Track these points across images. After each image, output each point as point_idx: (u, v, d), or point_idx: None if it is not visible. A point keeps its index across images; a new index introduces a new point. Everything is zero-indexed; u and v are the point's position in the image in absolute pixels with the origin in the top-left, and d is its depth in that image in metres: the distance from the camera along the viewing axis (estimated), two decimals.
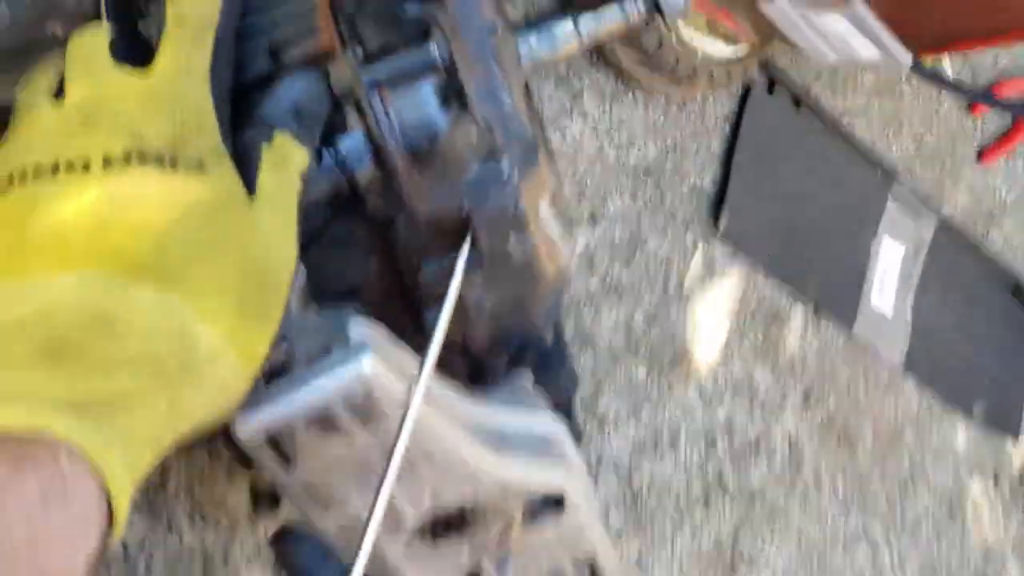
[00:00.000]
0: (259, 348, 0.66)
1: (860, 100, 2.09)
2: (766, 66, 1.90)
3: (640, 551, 1.80)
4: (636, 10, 0.93)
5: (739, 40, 1.75)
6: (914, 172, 2.22)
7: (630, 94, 1.71)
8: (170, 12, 0.70)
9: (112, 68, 0.69)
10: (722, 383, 1.91)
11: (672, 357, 1.82)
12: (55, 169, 0.64)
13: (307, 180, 0.71)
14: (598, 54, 1.64)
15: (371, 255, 0.82)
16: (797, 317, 2.03)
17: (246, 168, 0.68)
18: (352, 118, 0.77)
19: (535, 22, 0.93)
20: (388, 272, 0.83)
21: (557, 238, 0.88)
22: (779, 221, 1.96)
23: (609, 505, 1.75)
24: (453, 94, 0.75)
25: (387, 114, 0.74)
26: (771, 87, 1.92)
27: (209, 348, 0.62)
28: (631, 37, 1.59)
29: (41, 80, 0.70)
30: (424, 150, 0.74)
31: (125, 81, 0.68)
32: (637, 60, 1.63)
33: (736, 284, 1.92)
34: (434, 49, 0.74)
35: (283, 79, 0.73)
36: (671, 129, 1.79)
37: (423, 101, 0.74)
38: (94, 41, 0.70)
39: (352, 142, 0.77)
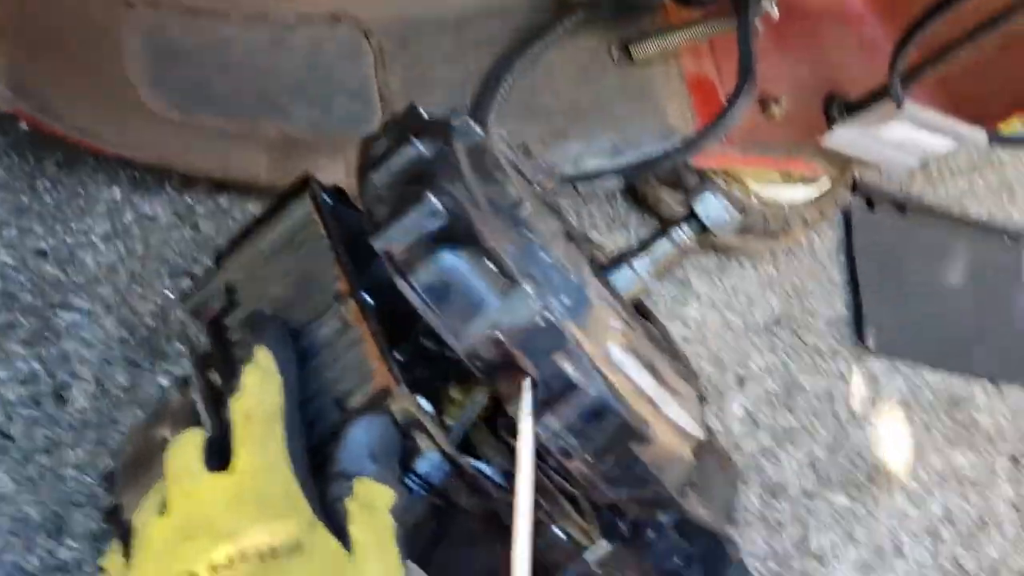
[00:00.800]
0: None
1: (962, 182, 2.17)
2: (856, 187, 2.01)
3: None
4: (685, 237, 0.97)
5: (818, 177, 1.86)
6: None
7: (734, 261, 1.85)
8: (236, 408, 0.75)
9: (203, 474, 0.73)
10: (927, 479, 1.97)
11: (867, 474, 1.90)
12: None
13: (401, 511, 0.74)
14: None
15: (487, 542, 0.86)
16: (978, 394, 2.08)
17: (337, 523, 0.72)
18: (422, 440, 0.80)
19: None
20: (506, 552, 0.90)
21: (653, 389, 0.87)
22: (925, 317, 2.04)
23: None
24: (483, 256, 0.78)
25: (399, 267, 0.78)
26: (870, 203, 2.03)
27: None
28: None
29: (147, 502, 0.75)
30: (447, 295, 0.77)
31: (216, 485, 0.72)
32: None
33: (905, 388, 1.99)
34: (436, 202, 0.78)
35: (349, 427, 0.76)
36: (787, 277, 1.91)
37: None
38: (187, 450, 0.74)
39: (428, 462, 0.80)
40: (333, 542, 0.71)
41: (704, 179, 0.96)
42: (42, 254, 1.29)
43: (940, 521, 1.97)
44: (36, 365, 1.26)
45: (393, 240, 0.77)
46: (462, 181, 0.81)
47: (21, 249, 1.28)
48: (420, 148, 0.82)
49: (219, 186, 1.41)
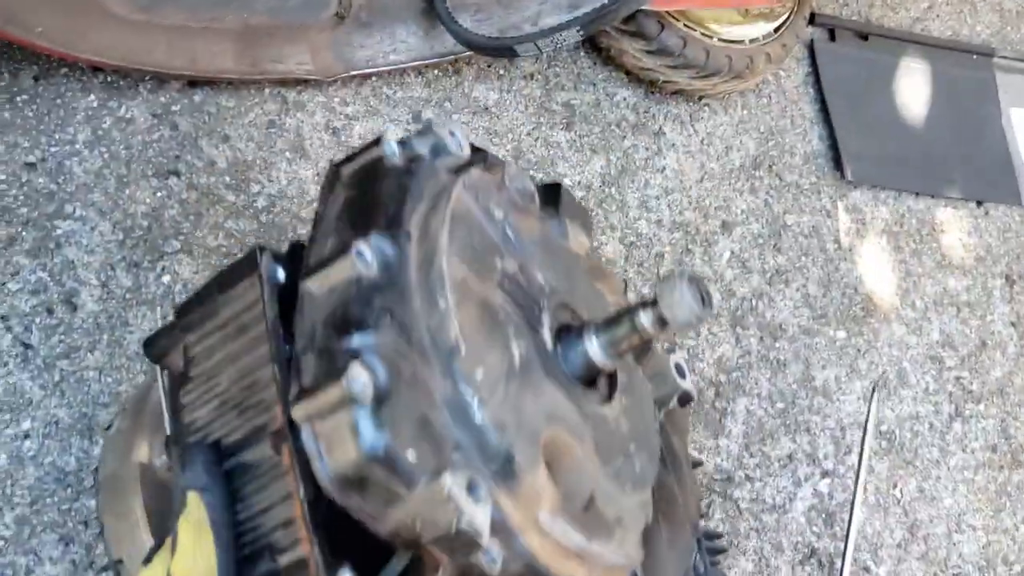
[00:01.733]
0: None
1: (922, 3, 2.31)
2: (815, 19, 2.15)
3: (919, 486, 2.02)
4: (646, 325, 0.98)
5: (776, 11, 2.00)
6: (1007, 38, 2.41)
7: (705, 108, 1.99)
8: (175, 570, 0.84)
9: None
10: (922, 306, 2.13)
11: (862, 307, 2.05)
12: None
13: None
14: (654, 85, 1.91)
15: None
16: (964, 217, 2.24)
17: None
18: None
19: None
20: None
21: (583, 545, 0.93)
22: (901, 144, 2.19)
23: (871, 458, 1.98)
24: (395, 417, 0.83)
25: (317, 446, 0.84)
26: (832, 34, 2.17)
27: None
28: (676, 59, 1.86)
29: None
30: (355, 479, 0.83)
31: None
32: (693, 75, 1.90)
33: (890, 217, 2.15)
34: (359, 378, 0.81)
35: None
36: (759, 118, 2.05)
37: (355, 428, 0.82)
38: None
39: None
40: None
41: (674, 273, 0.99)
42: (31, 167, 1.41)
43: (940, 346, 2.13)
44: (43, 275, 1.38)
45: (313, 416, 0.83)
46: (404, 319, 0.86)
47: (11, 164, 1.40)
48: (367, 261, 0.87)
49: (192, 83, 1.53)
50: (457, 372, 0.86)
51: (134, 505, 1.13)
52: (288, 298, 0.94)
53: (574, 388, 0.98)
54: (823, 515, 1.91)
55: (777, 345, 1.95)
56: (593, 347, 0.98)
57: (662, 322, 0.96)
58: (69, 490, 1.34)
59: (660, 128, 1.93)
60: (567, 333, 0.99)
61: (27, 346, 1.36)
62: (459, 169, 0.98)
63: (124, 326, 1.41)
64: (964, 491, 2.06)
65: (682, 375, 1.17)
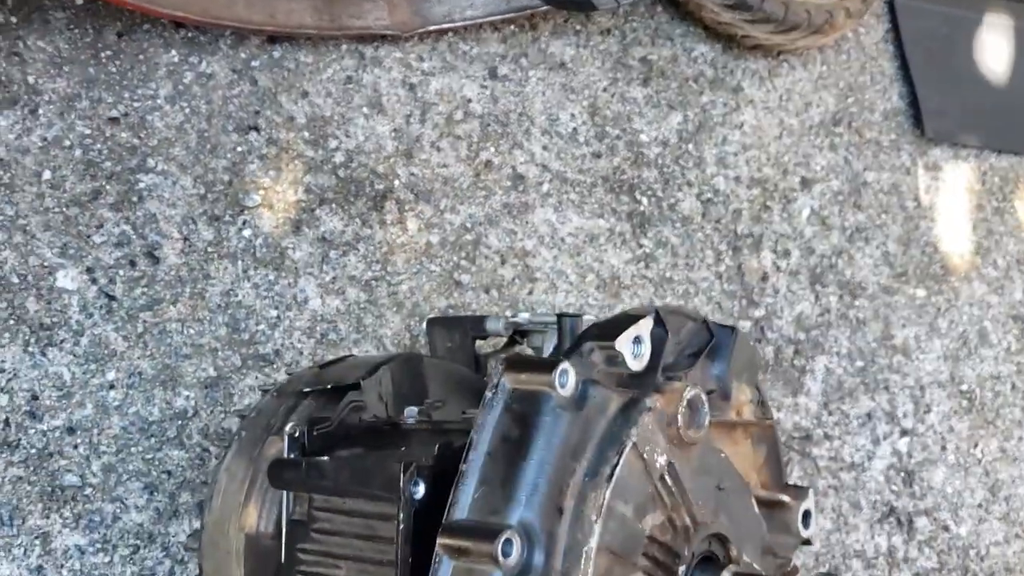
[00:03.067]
0: None
1: None
2: None
3: (1000, 447, 2.00)
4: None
5: None
6: None
7: (784, 64, 1.97)
8: None
9: None
10: (1004, 265, 2.11)
11: (942, 265, 2.03)
12: None
13: None
14: (732, 40, 1.90)
15: None
16: None
17: None
18: None
19: None
20: None
21: None
22: (983, 101, 2.16)
23: (949, 418, 1.96)
24: None
25: None
26: None
27: None
28: (755, 14, 1.84)
29: None
30: None
31: None
32: (772, 30, 1.89)
33: (972, 174, 2.12)
34: None
35: None
36: (839, 74, 2.03)
37: None
38: None
39: None
40: None
41: None
42: (115, 121, 1.43)
43: (1023, 306, 2.10)
44: (126, 227, 1.40)
45: None
46: None
47: (95, 119, 1.42)
48: (510, 554, 0.86)
49: (271, 39, 1.54)
50: None
51: (235, 574, 1.16)
52: (427, 514, 0.95)
53: None
54: (902, 473, 1.90)
55: (856, 303, 1.93)
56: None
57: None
58: (153, 440, 1.37)
59: (738, 84, 1.91)
60: (705, 566, 1.00)
61: (111, 298, 1.38)
62: (632, 404, 0.95)
63: (206, 279, 1.43)
64: None
65: (807, 525, 1.15)
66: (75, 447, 1.33)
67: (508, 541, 0.85)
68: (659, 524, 0.95)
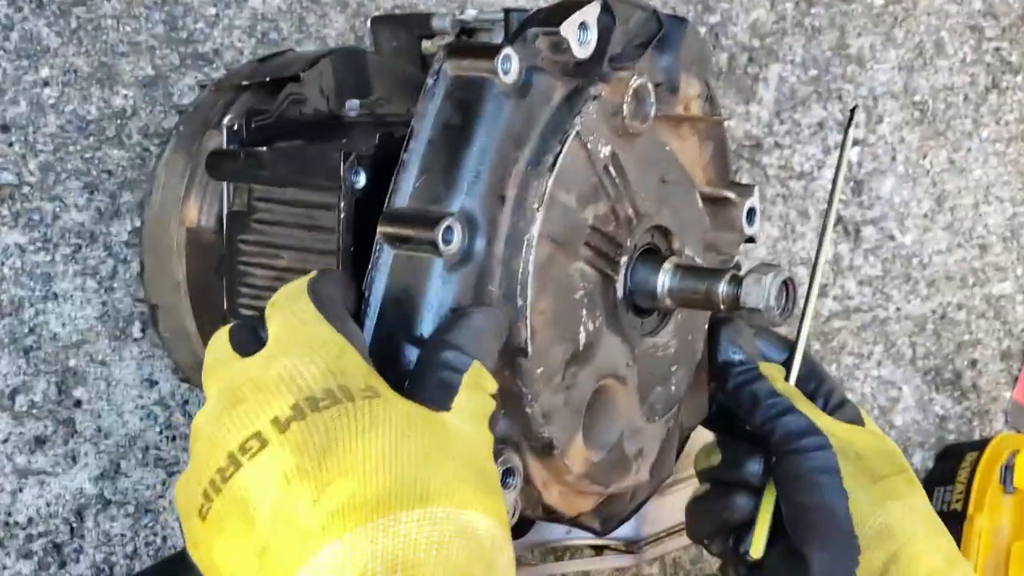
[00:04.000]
0: (503, 512, 0.73)
1: None
2: None
3: (949, 157, 2.00)
4: (719, 293, 0.97)
5: None
6: None
7: None
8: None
9: (235, 358, 0.76)
10: None
11: None
12: (233, 461, 0.68)
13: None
14: None
15: None
16: None
17: (432, 385, 0.76)
18: None
19: None
20: None
21: (600, 490, 1.02)
22: None
23: (900, 129, 1.96)
24: None
25: None
26: None
27: (486, 530, 0.69)
28: None
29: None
30: None
31: (250, 362, 0.75)
32: None
33: None
34: None
35: (475, 311, 0.85)
36: None
37: None
38: (215, 344, 0.79)
39: None
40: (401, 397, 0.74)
41: (769, 269, 0.92)
42: None
43: (982, 15, 2.07)
44: None
45: None
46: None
47: None
48: (451, 240, 0.85)
49: None
50: (519, 370, 0.89)
51: (176, 270, 1.16)
52: (367, 204, 0.94)
53: (632, 325, 0.99)
54: (851, 183, 1.90)
55: (813, 11, 1.90)
56: (663, 287, 0.98)
57: (735, 305, 0.95)
58: (91, 139, 1.34)
59: None
60: (646, 258, 0.99)
61: None
62: (577, 93, 0.93)
63: None
64: (995, 163, 2.04)
65: (751, 222, 1.14)
66: (10, 145, 1.30)
67: (449, 228, 0.84)
68: (602, 215, 0.94)
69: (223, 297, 1.06)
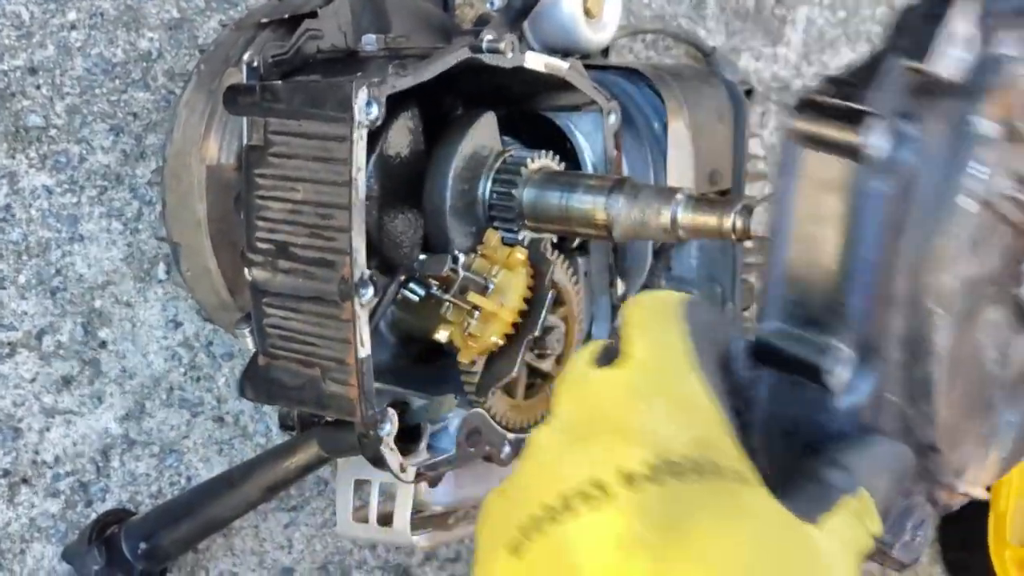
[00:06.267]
0: None
1: None
2: None
3: None
4: (729, 226, 0.95)
5: None
6: None
7: None
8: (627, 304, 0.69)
9: (592, 371, 0.67)
10: None
11: None
12: (567, 505, 0.58)
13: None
14: None
15: None
16: None
17: (807, 494, 0.64)
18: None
19: None
20: None
21: None
22: None
23: None
24: None
25: None
26: None
27: None
28: None
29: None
30: None
31: (608, 378, 0.65)
32: None
33: None
34: None
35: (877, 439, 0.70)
36: None
37: None
38: (579, 357, 0.69)
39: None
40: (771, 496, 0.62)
41: None
42: None
43: None
44: None
45: None
46: None
47: None
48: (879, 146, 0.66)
49: None
50: (930, 462, 0.75)
51: (197, 208, 1.17)
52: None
53: None
54: None
55: None
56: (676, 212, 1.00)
57: (746, 231, 0.97)
58: (117, 81, 1.34)
59: None
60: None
61: None
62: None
63: None
64: None
65: None
66: (38, 87, 1.31)
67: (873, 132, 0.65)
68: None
69: (242, 234, 1.06)
